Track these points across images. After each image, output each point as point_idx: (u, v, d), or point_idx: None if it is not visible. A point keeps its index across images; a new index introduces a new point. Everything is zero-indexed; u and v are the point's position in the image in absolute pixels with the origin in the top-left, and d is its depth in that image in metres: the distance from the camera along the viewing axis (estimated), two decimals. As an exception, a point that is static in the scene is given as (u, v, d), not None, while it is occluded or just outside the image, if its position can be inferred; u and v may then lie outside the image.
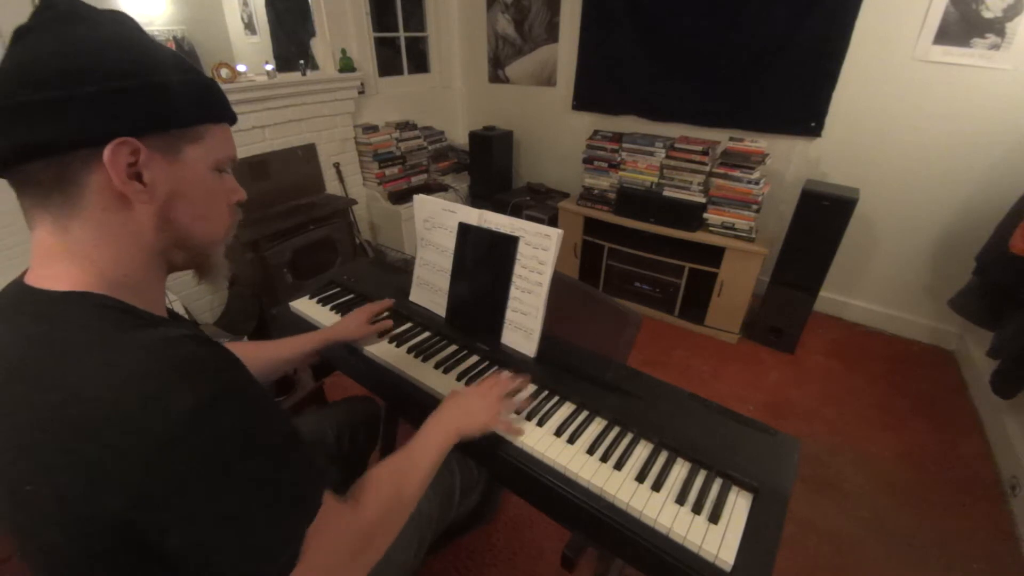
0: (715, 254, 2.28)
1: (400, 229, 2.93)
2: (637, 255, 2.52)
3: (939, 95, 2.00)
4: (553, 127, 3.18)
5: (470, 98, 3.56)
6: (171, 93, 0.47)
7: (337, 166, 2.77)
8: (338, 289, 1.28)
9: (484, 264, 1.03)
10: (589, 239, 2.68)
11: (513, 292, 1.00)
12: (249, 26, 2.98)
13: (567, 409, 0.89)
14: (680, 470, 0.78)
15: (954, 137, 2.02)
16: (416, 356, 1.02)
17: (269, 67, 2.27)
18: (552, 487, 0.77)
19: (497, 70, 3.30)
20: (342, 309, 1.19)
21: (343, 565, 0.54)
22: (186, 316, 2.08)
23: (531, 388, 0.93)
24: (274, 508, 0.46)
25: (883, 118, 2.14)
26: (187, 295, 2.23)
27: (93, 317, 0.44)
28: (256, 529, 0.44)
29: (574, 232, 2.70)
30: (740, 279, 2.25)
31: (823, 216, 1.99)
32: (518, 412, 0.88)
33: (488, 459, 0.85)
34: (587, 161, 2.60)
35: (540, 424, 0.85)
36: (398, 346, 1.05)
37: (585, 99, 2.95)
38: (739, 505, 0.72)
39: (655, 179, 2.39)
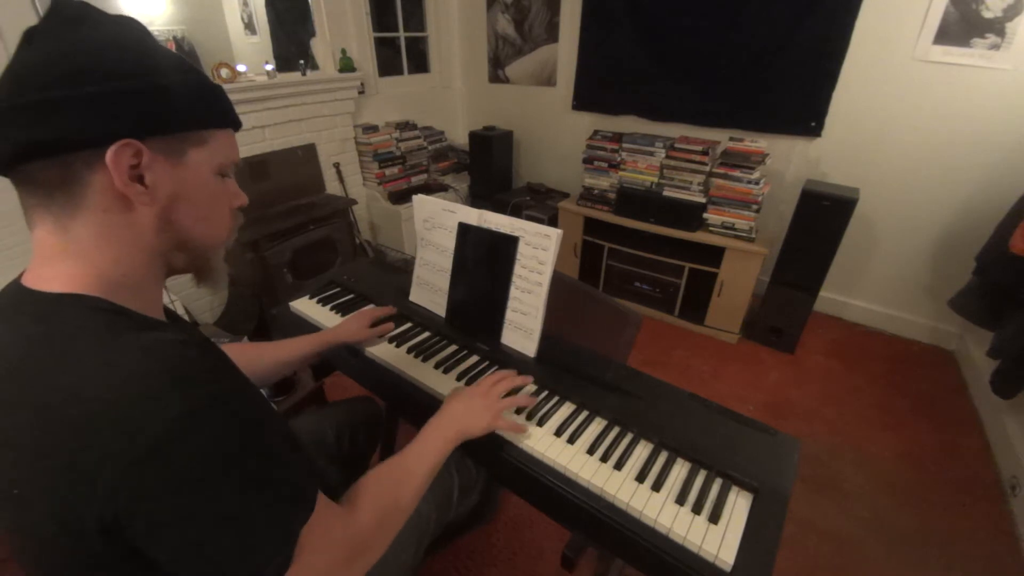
0: (715, 254, 2.28)
1: (400, 229, 2.93)
2: (637, 255, 2.52)
3: (939, 95, 2.00)
4: (553, 127, 3.18)
5: (470, 98, 3.56)
6: (173, 96, 0.47)
7: (337, 166, 2.77)
8: (338, 289, 1.28)
9: (484, 264, 1.02)
10: (589, 239, 2.68)
11: (513, 292, 1.00)
12: (249, 26, 2.98)
13: (567, 409, 0.89)
14: (680, 470, 0.78)
15: (954, 137, 2.03)
16: (416, 356, 1.02)
17: (269, 67, 2.27)
18: (552, 487, 0.77)
19: (497, 70, 3.30)
20: (342, 309, 1.19)
21: (337, 569, 0.54)
22: (186, 316, 2.08)
23: (532, 387, 0.93)
24: (267, 511, 0.46)
25: (883, 118, 2.14)
26: (187, 295, 2.23)
27: (88, 319, 0.44)
28: (248, 532, 0.44)
29: (574, 232, 2.70)
30: (740, 279, 2.25)
31: (823, 216, 1.99)
32: (519, 411, 0.88)
33: (488, 459, 0.85)
34: (587, 161, 2.60)
35: (540, 424, 0.85)
36: (398, 346, 1.05)
37: (585, 99, 2.95)
38: (739, 505, 0.72)
39: (655, 179, 2.39)
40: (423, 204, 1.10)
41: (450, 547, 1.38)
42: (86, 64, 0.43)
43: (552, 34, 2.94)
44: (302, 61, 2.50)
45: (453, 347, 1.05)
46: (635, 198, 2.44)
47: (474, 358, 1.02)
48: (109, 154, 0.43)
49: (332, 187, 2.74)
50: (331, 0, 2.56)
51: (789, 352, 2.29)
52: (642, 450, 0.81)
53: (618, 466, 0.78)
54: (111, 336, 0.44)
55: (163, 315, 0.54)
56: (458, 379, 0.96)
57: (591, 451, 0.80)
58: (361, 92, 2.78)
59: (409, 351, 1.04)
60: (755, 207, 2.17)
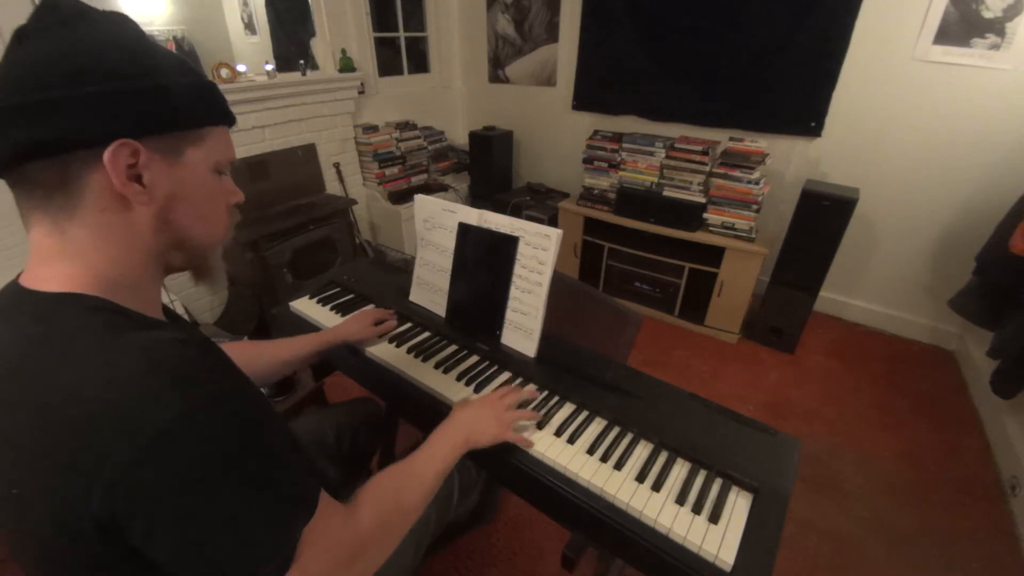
0: (715, 254, 2.28)
1: (400, 229, 2.93)
2: (637, 255, 2.52)
3: (939, 95, 2.00)
4: (553, 127, 3.18)
5: (470, 98, 3.56)
6: (172, 95, 0.47)
7: (337, 166, 2.77)
8: (338, 289, 1.28)
9: (484, 264, 1.03)
10: (589, 239, 2.68)
11: (513, 292, 1.00)
12: (249, 26, 2.98)
13: (567, 409, 0.89)
14: (680, 470, 0.78)
15: (954, 137, 2.02)
16: (416, 356, 1.02)
17: (269, 67, 2.27)
18: (552, 487, 0.77)
19: (497, 70, 3.30)
20: (342, 309, 1.19)
21: (339, 569, 0.53)
22: (186, 316, 2.08)
23: (538, 396, 0.92)
24: (267, 511, 0.46)
25: (883, 118, 2.14)
26: (187, 295, 2.23)
27: (87, 319, 0.44)
28: (248, 532, 0.44)
29: (574, 232, 2.70)
30: (740, 279, 2.25)
31: (823, 216, 1.99)
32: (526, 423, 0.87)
33: (488, 460, 0.85)
34: (587, 161, 2.60)
35: (540, 425, 0.85)
36: (398, 346, 1.05)
37: (585, 99, 2.95)
38: (739, 505, 0.72)
39: (655, 179, 2.39)
40: (423, 204, 1.10)
41: (450, 547, 1.38)
42: (86, 64, 0.43)
43: (552, 34, 2.94)
44: (302, 61, 2.50)
45: (453, 347, 1.05)
46: (635, 198, 2.44)
47: (474, 358, 1.02)
48: (107, 154, 0.43)
49: (332, 187, 2.74)
50: (331, 0, 2.56)
51: (789, 352, 2.29)
52: (642, 450, 0.81)
53: (618, 466, 0.78)
54: (111, 336, 0.44)
55: (162, 314, 0.54)
56: (458, 379, 0.96)
57: (591, 451, 0.80)
58: (361, 92, 2.78)
59: (409, 351, 1.04)
60: (755, 207, 2.17)
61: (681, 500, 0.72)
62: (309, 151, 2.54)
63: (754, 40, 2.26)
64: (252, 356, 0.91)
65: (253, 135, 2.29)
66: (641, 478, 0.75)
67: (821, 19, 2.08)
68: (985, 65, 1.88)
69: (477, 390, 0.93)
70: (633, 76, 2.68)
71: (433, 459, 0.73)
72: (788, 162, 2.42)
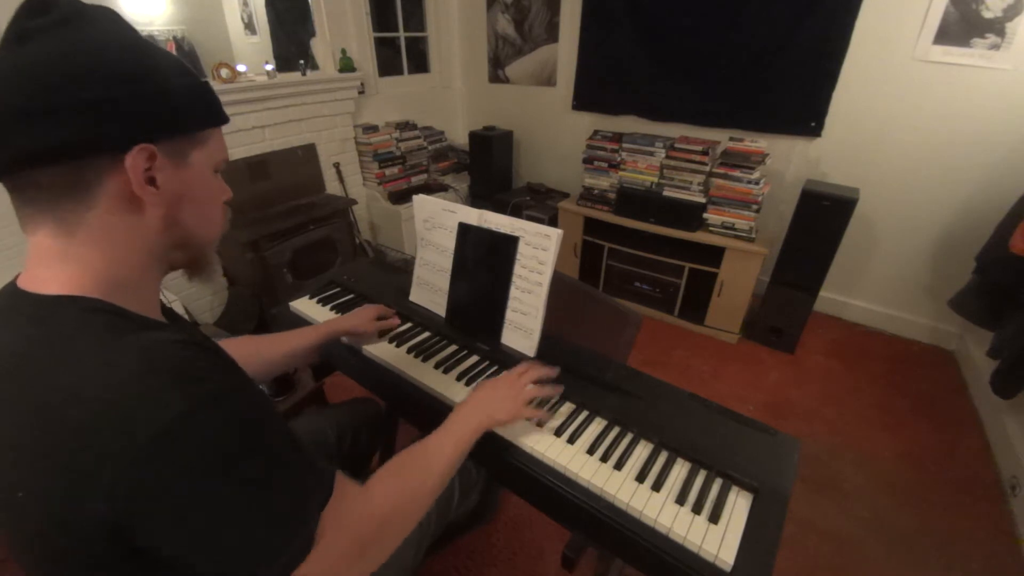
0: (715, 254, 2.28)
1: (400, 229, 2.93)
2: (637, 255, 2.52)
3: (939, 95, 2.00)
4: (553, 127, 3.18)
5: (470, 98, 3.56)
6: (178, 98, 0.47)
7: (337, 166, 2.77)
8: (338, 289, 1.28)
9: (484, 264, 1.02)
10: (589, 239, 2.68)
11: (513, 292, 1.00)
12: (249, 26, 2.98)
13: (567, 409, 0.89)
14: (680, 470, 0.78)
15: (954, 137, 2.02)
16: (416, 356, 1.02)
17: (269, 67, 2.27)
18: (552, 487, 0.77)
19: (497, 70, 3.30)
20: (342, 309, 1.19)
21: (353, 554, 0.54)
22: (186, 316, 2.08)
23: (560, 388, 0.91)
24: (268, 511, 0.46)
25: (883, 118, 2.14)
26: (187, 295, 2.23)
27: (87, 320, 0.44)
28: (249, 531, 0.44)
29: (574, 232, 2.70)
30: (740, 279, 2.25)
31: (823, 216, 1.99)
32: (543, 403, 0.88)
33: (488, 459, 0.85)
34: (587, 161, 2.60)
35: (540, 424, 0.85)
36: (398, 346, 1.05)
37: (585, 99, 2.95)
38: (739, 505, 0.72)
39: (655, 179, 2.39)
40: (423, 204, 1.10)
41: (450, 547, 1.38)
42: (88, 64, 0.42)
43: (552, 34, 2.94)
44: (302, 61, 2.50)
45: (453, 347, 1.05)
46: (635, 198, 2.44)
47: (474, 358, 1.02)
48: (129, 158, 0.43)
49: (332, 187, 2.74)
50: (331, 0, 2.56)
51: (789, 352, 2.29)
52: (642, 450, 0.81)
53: (618, 466, 0.78)
54: (110, 336, 0.44)
55: (160, 315, 0.54)
56: (458, 379, 0.96)
57: (591, 451, 0.80)
58: (361, 92, 2.78)
59: (409, 351, 1.04)
60: (755, 207, 2.17)
61: (681, 500, 0.72)
62: (309, 151, 2.54)
63: (754, 40, 2.26)
64: (251, 352, 0.90)
65: (253, 135, 2.29)
66: (641, 478, 0.75)
67: (821, 19, 2.08)
68: (985, 65, 1.88)
69: (477, 390, 0.93)
70: (633, 76, 2.68)
71: (449, 439, 0.72)
72: (788, 162, 2.42)
